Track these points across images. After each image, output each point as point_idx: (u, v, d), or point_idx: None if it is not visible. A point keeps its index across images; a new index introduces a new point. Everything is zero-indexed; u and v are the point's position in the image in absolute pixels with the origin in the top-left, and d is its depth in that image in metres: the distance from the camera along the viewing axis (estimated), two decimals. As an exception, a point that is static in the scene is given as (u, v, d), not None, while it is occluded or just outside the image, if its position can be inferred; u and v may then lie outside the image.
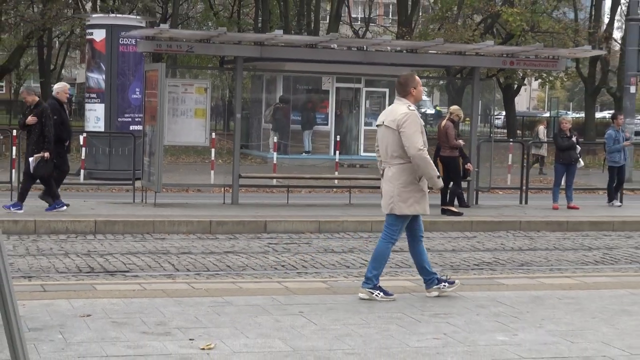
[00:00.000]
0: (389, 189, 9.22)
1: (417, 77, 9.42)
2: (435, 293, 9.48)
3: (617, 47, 47.52)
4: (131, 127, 22.18)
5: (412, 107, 9.21)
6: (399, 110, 9.19)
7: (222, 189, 19.15)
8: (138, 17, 26.64)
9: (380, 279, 9.38)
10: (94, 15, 25.47)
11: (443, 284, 9.52)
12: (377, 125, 9.47)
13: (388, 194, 9.23)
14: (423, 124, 9.30)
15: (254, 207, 17.89)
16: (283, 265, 12.60)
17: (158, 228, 15.41)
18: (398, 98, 9.39)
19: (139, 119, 21.37)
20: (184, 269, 12.03)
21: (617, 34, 51.34)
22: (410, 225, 9.40)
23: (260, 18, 46.41)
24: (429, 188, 9.29)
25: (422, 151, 9.01)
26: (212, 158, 22.92)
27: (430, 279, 9.51)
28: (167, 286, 9.82)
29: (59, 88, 16.89)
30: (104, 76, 22.62)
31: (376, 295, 9.23)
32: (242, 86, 19.94)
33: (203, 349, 7.08)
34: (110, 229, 15.20)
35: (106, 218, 15.55)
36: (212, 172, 22.41)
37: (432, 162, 9.19)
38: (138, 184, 18.57)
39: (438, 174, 9.26)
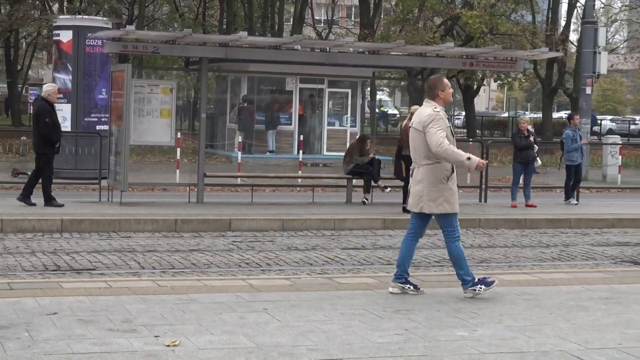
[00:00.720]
0: (418, 189, 9.47)
1: (445, 80, 9.66)
2: (398, 290, 9.62)
3: (574, 49, 47.94)
4: (97, 127, 22.18)
5: (438, 108, 9.41)
6: (424, 112, 9.42)
7: (188, 188, 19.24)
8: (104, 18, 26.64)
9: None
10: (60, 17, 25.43)
11: (409, 285, 9.66)
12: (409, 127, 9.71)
13: (417, 193, 9.47)
14: (449, 124, 9.48)
15: (218, 205, 18.00)
16: (247, 263, 12.71)
17: (124, 226, 15.49)
18: (426, 100, 9.61)
19: (105, 119, 21.40)
20: (149, 267, 12.11)
21: (573, 37, 51.82)
22: (421, 222, 9.69)
23: (225, 20, 46.44)
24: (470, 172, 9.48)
25: (442, 144, 9.16)
26: (178, 157, 22.99)
27: (400, 275, 9.66)
28: (132, 284, 9.91)
29: (49, 90, 16.96)
30: (70, 77, 22.60)
31: (479, 289, 9.46)
32: (207, 87, 20.05)
33: (168, 345, 7.14)
34: (76, 227, 15.25)
35: (73, 217, 15.61)
36: (178, 171, 22.48)
37: (456, 149, 9.31)
38: (104, 183, 18.61)
39: (467, 156, 9.39)
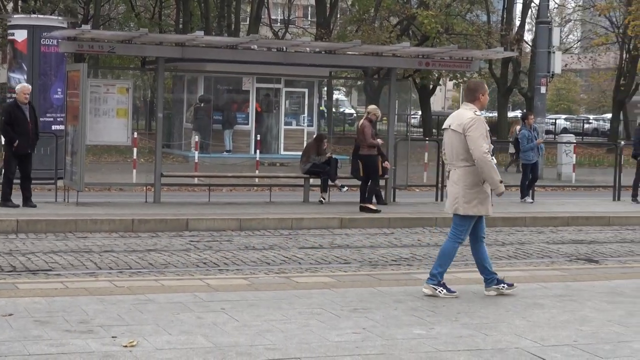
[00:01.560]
0: (454, 191, 9.54)
1: (485, 84, 9.76)
2: (494, 293, 9.75)
3: (528, 49, 48.40)
4: (53, 127, 22.00)
5: (478, 112, 9.51)
6: (465, 115, 9.48)
7: (145, 188, 19.17)
8: (60, 17, 26.44)
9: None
10: (15, 16, 25.20)
11: (502, 284, 9.80)
12: (442, 129, 9.78)
13: (453, 195, 9.55)
14: (488, 129, 9.57)
15: (175, 205, 17.96)
16: (205, 263, 12.70)
17: (80, 227, 15.41)
18: (465, 103, 9.68)
19: (61, 119, 21.25)
20: (106, 267, 12.07)
21: (528, 36, 52.27)
22: (474, 225, 9.73)
23: (181, 19, 46.31)
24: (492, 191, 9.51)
25: (487, 155, 9.28)
26: (134, 157, 22.89)
27: (490, 279, 9.80)
28: (89, 284, 9.86)
29: (18, 89, 16.99)
30: (25, 76, 22.39)
31: (439, 291, 9.56)
32: (163, 86, 19.98)
33: (126, 346, 7.13)
34: (32, 228, 15.15)
35: (28, 217, 15.50)
36: (134, 171, 22.39)
37: (494, 166, 9.44)
38: (60, 183, 18.51)
39: (500, 178, 9.49)
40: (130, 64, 41.68)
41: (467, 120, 9.40)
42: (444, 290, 9.58)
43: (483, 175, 9.38)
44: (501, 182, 9.47)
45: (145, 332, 7.61)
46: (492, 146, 9.73)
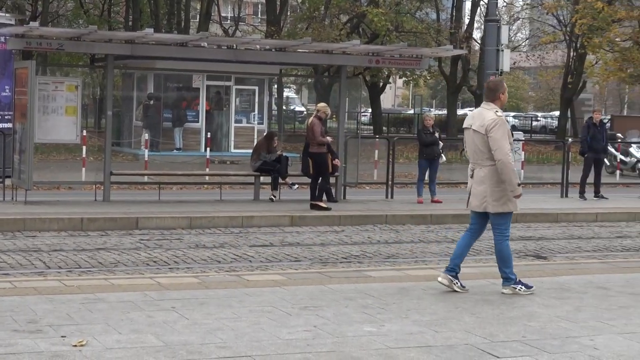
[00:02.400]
0: (481, 189, 9.62)
1: (504, 83, 9.84)
2: (446, 282, 9.83)
3: (477, 47, 48.67)
4: (1, 125, 21.73)
5: (499, 112, 9.57)
6: (487, 115, 9.53)
7: (94, 187, 19.04)
8: (7, 14, 26.10)
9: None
10: (-38, 13, 24.93)
11: (457, 281, 9.85)
12: (463, 128, 9.81)
13: (481, 194, 9.62)
14: (509, 128, 9.67)
15: (125, 204, 17.85)
16: (155, 261, 12.66)
17: (29, 226, 15.26)
18: (486, 103, 9.71)
19: (9, 117, 21.03)
20: (55, 267, 11.98)
21: (477, 34, 52.59)
22: (482, 221, 9.87)
23: (130, 17, 46.03)
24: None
25: (509, 156, 9.38)
26: (84, 155, 22.70)
27: (452, 269, 9.89)
28: (38, 284, 9.79)
29: None
30: (-29, 74, 22.17)
31: (519, 289, 9.75)
32: (113, 84, 19.86)
33: (75, 345, 7.08)
34: (-21, 227, 15.01)
35: (-26, 217, 15.36)
36: (84, 169, 22.19)
37: (514, 169, 9.57)
38: (8, 182, 18.31)
39: (519, 181, 9.61)
40: (79, 61, 41.35)
41: (489, 121, 9.48)
42: (523, 287, 9.78)
43: (502, 176, 9.48)
44: (519, 184, 9.61)
45: (95, 331, 7.57)
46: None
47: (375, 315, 8.56)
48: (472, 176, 9.76)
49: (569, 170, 22.53)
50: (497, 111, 9.58)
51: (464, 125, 9.82)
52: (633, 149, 32.21)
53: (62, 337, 7.35)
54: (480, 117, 9.62)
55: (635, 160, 31.82)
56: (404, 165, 29.27)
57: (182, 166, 26.39)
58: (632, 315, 8.92)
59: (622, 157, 31.68)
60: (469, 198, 9.86)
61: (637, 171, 31.53)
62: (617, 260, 13.27)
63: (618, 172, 29.78)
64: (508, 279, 9.78)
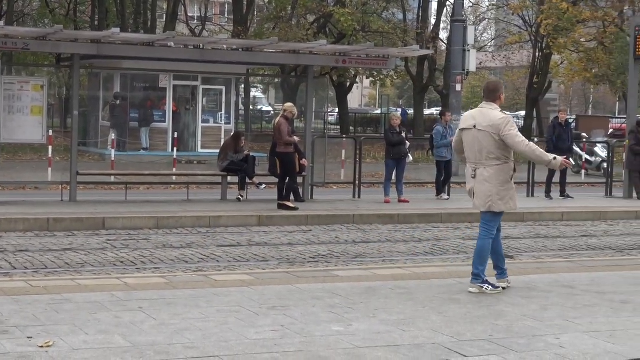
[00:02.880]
0: (486, 189, 9.67)
1: (502, 84, 9.93)
2: (505, 284, 10.05)
3: (444, 47, 48.89)
4: (-35, 126, 21.64)
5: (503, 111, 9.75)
6: (494, 115, 9.63)
7: (60, 187, 18.92)
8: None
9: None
10: None
11: (488, 285, 9.92)
12: (461, 129, 9.84)
13: (486, 193, 9.67)
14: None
15: (92, 204, 17.77)
16: (122, 262, 12.61)
17: (-6, 226, 15.18)
18: (488, 103, 9.79)
19: (-26, 117, 20.89)
20: (21, 267, 11.91)
21: (443, 35, 52.80)
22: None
23: (97, 16, 45.80)
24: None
25: (530, 145, 9.58)
26: (50, 155, 22.56)
27: (501, 271, 10.09)
28: (4, 284, 9.71)
29: None
30: None
31: (486, 288, 9.80)
32: (79, 83, 19.76)
33: (42, 346, 7.04)
34: (-57, 228, 14.89)
35: (-62, 217, 15.23)
36: (50, 169, 22.05)
37: (541, 150, 9.82)
38: (-28, 182, 18.21)
39: (552, 156, 9.83)
40: (45, 61, 41.08)
41: (499, 120, 9.57)
42: (490, 287, 9.83)
43: (537, 161, 9.98)
44: (555, 158, 9.82)
45: (62, 332, 7.53)
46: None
47: (342, 314, 8.56)
48: (473, 176, 9.81)
49: (535, 169, 22.65)
50: (501, 111, 9.75)
51: (464, 126, 9.85)
52: (598, 149, 32.49)
53: (28, 338, 7.31)
54: (484, 116, 9.70)
55: (600, 160, 32.06)
56: (371, 165, 29.36)
57: (149, 166, 26.29)
58: (598, 314, 8.98)
59: (588, 157, 31.97)
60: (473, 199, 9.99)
61: (602, 171, 31.76)
62: (583, 259, 13.37)
63: (583, 171, 30.04)
64: (478, 276, 9.82)
